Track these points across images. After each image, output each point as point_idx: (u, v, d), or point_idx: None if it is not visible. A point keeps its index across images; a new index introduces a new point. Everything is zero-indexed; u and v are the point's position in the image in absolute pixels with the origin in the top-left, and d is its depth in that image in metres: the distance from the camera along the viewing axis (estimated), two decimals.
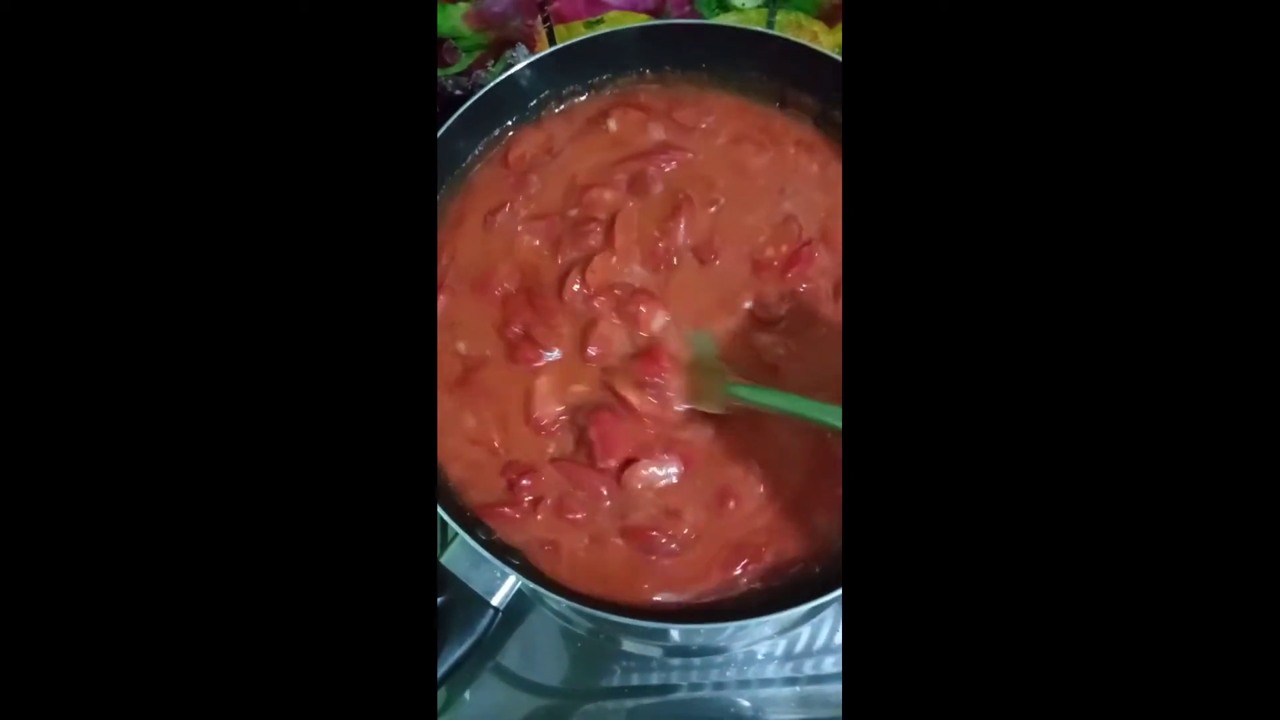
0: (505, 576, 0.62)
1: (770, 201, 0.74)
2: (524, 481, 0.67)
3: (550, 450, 0.68)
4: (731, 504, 0.67)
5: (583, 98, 0.79)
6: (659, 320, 0.70)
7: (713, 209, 0.74)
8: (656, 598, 0.65)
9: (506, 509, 0.66)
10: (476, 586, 0.62)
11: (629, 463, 0.66)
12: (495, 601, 0.62)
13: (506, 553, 0.64)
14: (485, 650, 0.77)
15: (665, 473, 0.67)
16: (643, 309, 0.70)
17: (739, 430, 0.68)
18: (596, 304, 0.71)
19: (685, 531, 0.66)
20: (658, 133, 0.77)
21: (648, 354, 0.69)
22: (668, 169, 0.75)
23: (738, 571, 0.66)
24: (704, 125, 0.77)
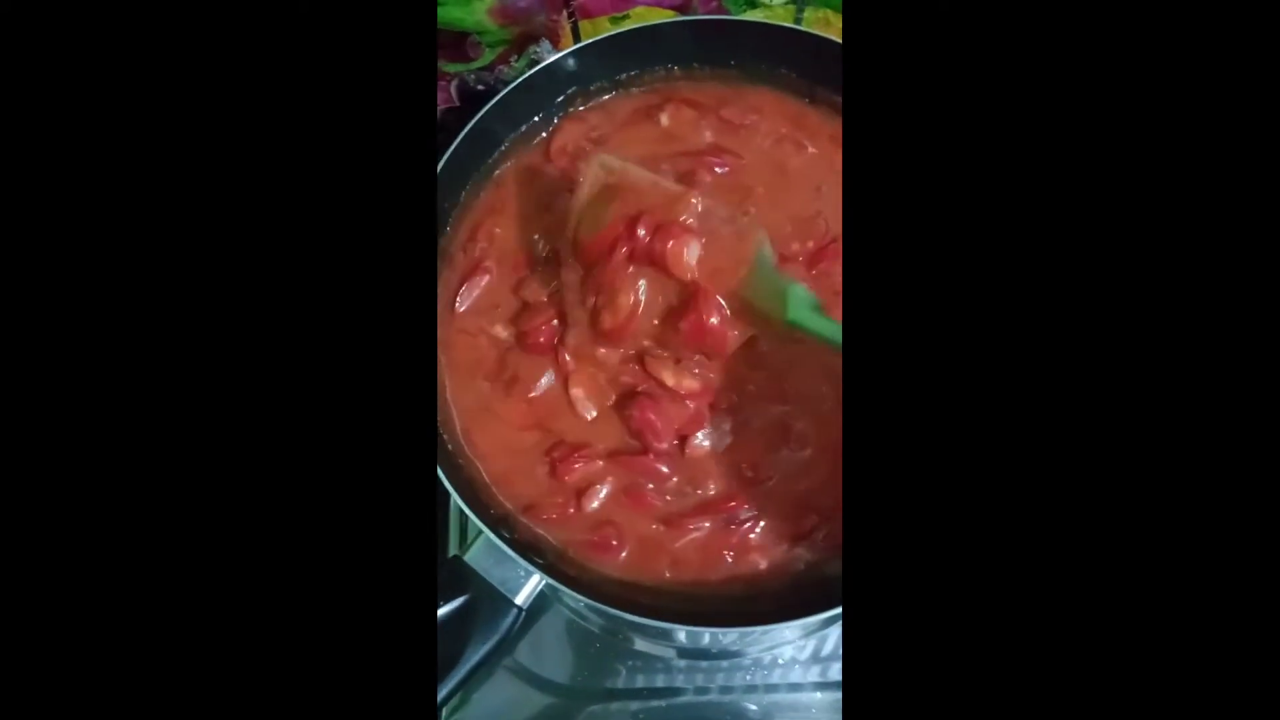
0: (529, 575, 0.61)
1: (803, 199, 0.74)
2: (576, 465, 0.66)
3: (602, 446, 0.68)
4: (792, 444, 0.67)
5: (609, 95, 0.79)
6: (692, 251, 0.61)
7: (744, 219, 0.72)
8: (732, 565, 0.65)
9: (553, 511, 0.66)
10: (501, 585, 0.61)
11: (683, 439, 0.66)
12: (519, 600, 0.62)
13: (531, 551, 0.63)
14: (508, 650, 0.77)
15: (720, 432, 0.67)
16: (670, 244, 0.61)
17: (771, 373, 0.68)
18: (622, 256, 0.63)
19: (763, 478, 0.66)
20: (709, 132, 0.76)
21: (689, 308, 0.62)
22: (720, 171, 0.75)
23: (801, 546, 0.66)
24: (749, 122, 0.77)
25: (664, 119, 0.76)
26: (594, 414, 0.68)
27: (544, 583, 0.61)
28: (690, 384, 0.67)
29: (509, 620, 0.61)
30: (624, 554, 0.65)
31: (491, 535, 0.61)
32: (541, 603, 0.79)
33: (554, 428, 0.68)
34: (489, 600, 0.61)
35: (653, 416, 0.66)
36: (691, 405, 0.67)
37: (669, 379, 0.67)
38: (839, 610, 0.59)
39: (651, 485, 0.66)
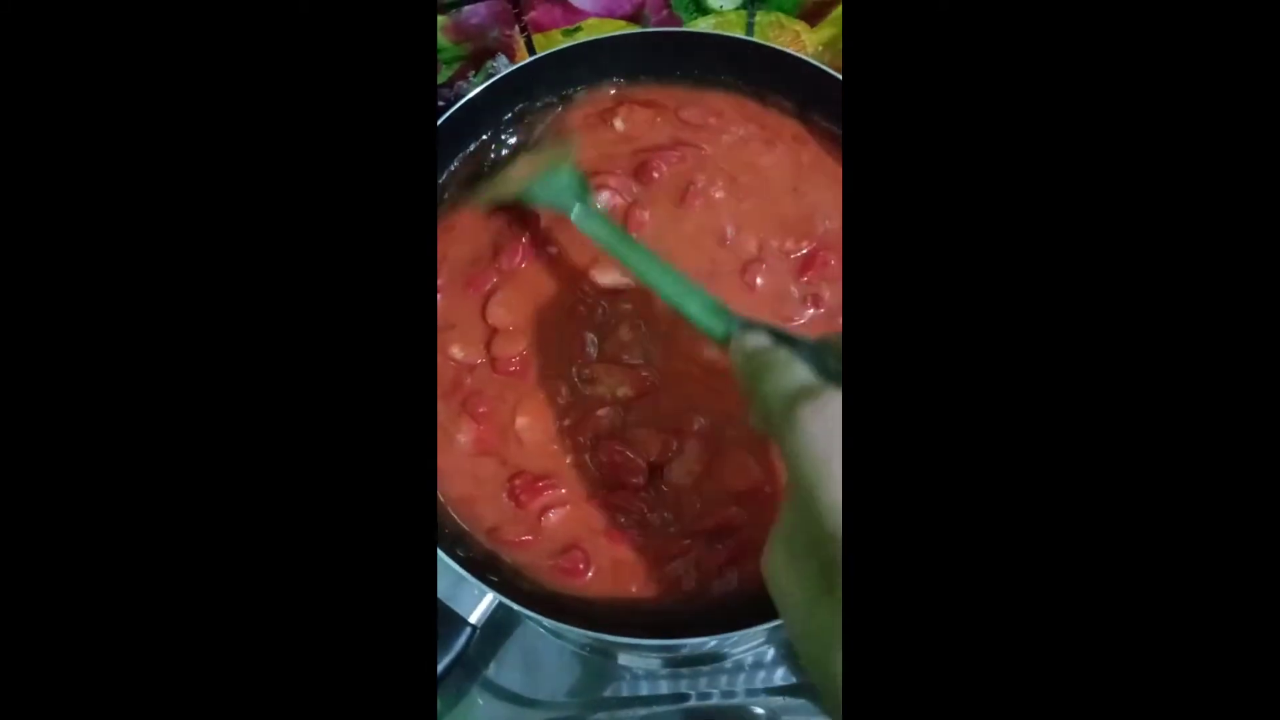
0: (483, 593, 0.61)
1: (784, 198, 0.73)
2: (539, 496, 0.66)
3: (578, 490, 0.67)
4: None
5: (559, 110, 0.78)
6: None
7: (720, 194, 0.73)
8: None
9: (516, 536, 0.66)
10: (452, 603, 0.61)
11: (659, 471, 0.66)
12: (473, 619, 0.61)
13: (487, 570, 0.63)
14: (473, 667, 0.77)
15: (694, 455, 0.66)
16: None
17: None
18: None
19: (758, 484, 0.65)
20: (668, 130, 0.76)
21: None
22: (678, 162, 0.75)
23: None
24: (709, 123, 0.76)
25: (618, 124, 0.76)
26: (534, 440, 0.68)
27: (497, 601, 0.61)
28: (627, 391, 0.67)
29: (463, 639, 0.61)
30: (590, 574, 0.64)
31: (445, 556, 0.60)
32: (514, 620, 0.79)
33: (511, 456, 0.68)
34: (441, 619, 0.61)
35: (622, 451, 0.66)
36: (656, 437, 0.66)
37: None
38: None
39: (629, 520, 0.65)
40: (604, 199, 0.72)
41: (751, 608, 0.61)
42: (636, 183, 0.73)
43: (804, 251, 0.71)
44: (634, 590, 0.64)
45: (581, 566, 0.64)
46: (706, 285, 0.58)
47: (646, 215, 0.72)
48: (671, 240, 0.71)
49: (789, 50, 0.72)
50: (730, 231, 0.72)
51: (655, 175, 0.73)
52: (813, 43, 0.84)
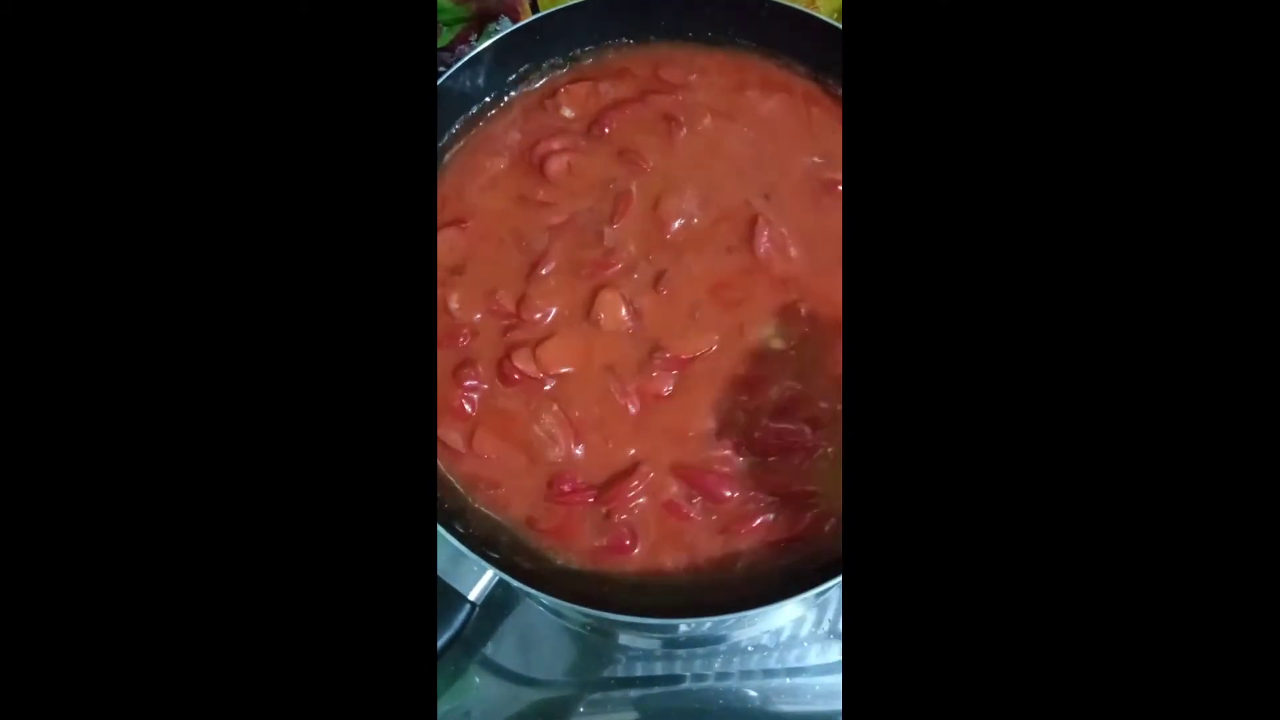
0: (483, 570, 0.59)
1: (798, 145, 0.71)
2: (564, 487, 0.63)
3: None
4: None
5: (563, 70, 0.76)
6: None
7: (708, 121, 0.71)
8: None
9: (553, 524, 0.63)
10: (452, 581, 0.60)
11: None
12: (472, 596, 0.60)
13: (486, 546, 0.61)
14: (471, 645, 0.76)
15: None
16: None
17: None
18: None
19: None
20: (628, 89, 0.74)
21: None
22: (641, 109, 0.72)
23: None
24: (693, 78, 0.74)
25: (565, 111, 0.73)
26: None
27: (497, 578, 0.59)
28: None
29: (462, 616, 0.60)
30: (637, 551, 0.62)
31: (445, 531, 0.59)
32: (513, 598, 0.77)
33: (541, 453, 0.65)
34: (440, 596, 0.59)
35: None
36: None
37: None
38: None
39: (697, 501, 0.63)
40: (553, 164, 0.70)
41: (779, 584, 0.60)
42: (585, 139, 0.71)
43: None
44: (677, 566, 0.62)
45: (628, 543, 0.62)
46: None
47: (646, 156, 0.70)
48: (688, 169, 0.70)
49: (810, 11, 0.70)
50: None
51: (607, 130, 0.71)
52: (828, 9, 0.82)
